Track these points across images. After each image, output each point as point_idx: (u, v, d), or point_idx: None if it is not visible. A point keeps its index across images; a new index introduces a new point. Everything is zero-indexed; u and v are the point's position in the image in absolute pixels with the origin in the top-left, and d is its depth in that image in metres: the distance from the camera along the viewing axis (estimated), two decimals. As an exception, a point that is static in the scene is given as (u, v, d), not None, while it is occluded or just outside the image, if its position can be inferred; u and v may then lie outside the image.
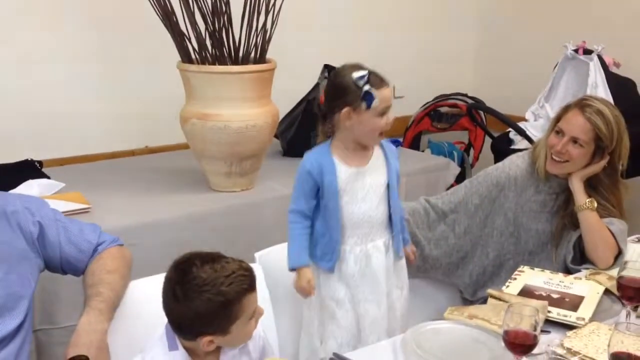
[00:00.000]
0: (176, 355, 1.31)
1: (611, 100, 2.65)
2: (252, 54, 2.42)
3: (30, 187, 2.30)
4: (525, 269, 1.86)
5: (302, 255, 1.66)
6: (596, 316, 1.60)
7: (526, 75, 3.50)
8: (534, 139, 2.81)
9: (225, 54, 2.39)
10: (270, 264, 1.78)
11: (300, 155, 2.66)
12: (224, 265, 1.28)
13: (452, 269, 2.09)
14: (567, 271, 1.92)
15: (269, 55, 2.48)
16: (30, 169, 2.49)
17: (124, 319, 1.51)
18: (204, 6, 2.33)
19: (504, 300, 1.65)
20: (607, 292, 1.72)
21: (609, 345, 1.26)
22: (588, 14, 3.32)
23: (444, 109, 3.53)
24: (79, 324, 1.41)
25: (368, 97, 1.56)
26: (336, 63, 1.91)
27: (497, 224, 2.03)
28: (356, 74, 1.56)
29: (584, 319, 1.56)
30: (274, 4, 2.38)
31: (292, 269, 1.67)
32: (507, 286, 1.75)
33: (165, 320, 1.35)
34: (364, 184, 1.65)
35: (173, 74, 2.44)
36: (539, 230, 2.01)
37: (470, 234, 2.05)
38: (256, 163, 2.51)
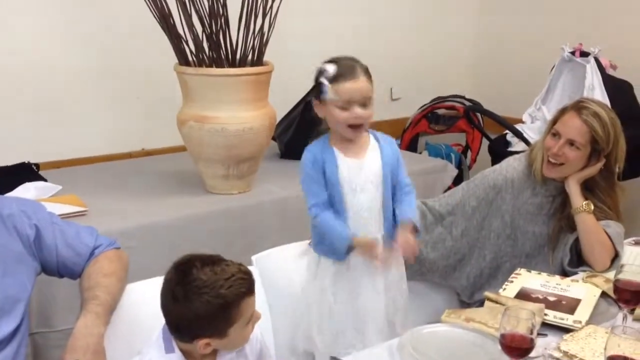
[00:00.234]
0: (172, 357, 1.31)
1: (608, 102, 2.65)
2: (250, 57, 2.43)
3: (27, 190, 2.30)
4: (522, 271, 1.86)
5: (346, 230, 1.63)
6: (593, 319, 1.60)
7: (523, 77, 3.51)
8: (531, 141, 2.82)
9: (223, 57, 2.39)
10: (268, 266, 1.78)
11: (298, 157, 2.66)
12: (223, 268, 1.28)
13: (449, 272, 2.09)
14: (564, 274, 1.92)
15: (266, 58, 2.48)
16: (27, 172, 2.50)
17: (121, 323, 1.50)
18: (201, 9, 2.33)
19: (501, 303, 1.65)
20: (603, 294, 1.72)
21: (605, 349, 1.26)
22: (585, 16, 3.32)
23: (441, 111, 3.54)
24: (76, 327, 1.41)
25: (321, 90, 1.60)
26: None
27: (494, 227, 2.03)
28: (320, 67, 1.59)
29: (580, 322, 1.56)
30: (271, 7, 2.38)
31: (349, 249, 1.63)
32: (504, 289, 1.75)
33: (161, 323, 1.35)
34: (362, 175, 1.65)
35: (170, 76, 2.44)
36: (535, 233, 2.01)
37: (467, 237, 2.05)
38: (254, 165, 2.51)
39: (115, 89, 2.88)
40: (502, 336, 1.30)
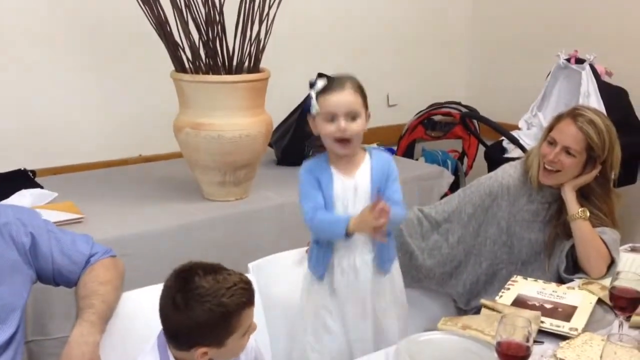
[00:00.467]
0: (167, 366, 1.30)
1: (603, 109, 2.66)
2: (246, 64, 2.43)
3: (23, 197, 2.29)
4: (519, 278, 1.86)
5: (340, 217, 1.60)
6: (589, 326, 1.60)
7: (519, 84, 3.52)
8: (527, 147, 2.83)
9: (219, 64, 2.40)
10: (264, 273, 1.78)
11: (294, 164, 2.67)
12: (225, 277, 1.29)
13: (446, 279, 2.09)
14: (560, 280, 1.93)
15: (262, 65, 2.48)
16: (23, 179, 2.49)
17: (117, 331, 1.50)
18: (197, 16, 2.34)
19: (497, 311, 1.65)
20: (600, 302, 1.72)
21: (601, 356, 1.26)
22: (580, 23, 3.34)
23: (437, 118, 3.54)
24: (71, 336, 1.41)
25: (307, 102, 1.60)
26: (330, 72, 1.92)
27: (490, 234, 2.04)
28: (311, 80, 1.60)
29: (577, 330, 1.56)
30: (267, 14, 2.38)
31: (348, 233, 1.59)
32: (501, 296, 1.76)
33: (157, 331, 1.34)
34: (353, 193, 1.64)
35: (167, 83, 2.45)
36: (531, 240, 2.01)
37: (463, 244, 2.06)
38: (250, 172, 2.51)
39: (112, 95, 2.88)
40: (499, 344, 1.30)
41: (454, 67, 3.95)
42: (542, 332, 1.56)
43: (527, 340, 1.28)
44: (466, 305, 2.09)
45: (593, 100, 2.83)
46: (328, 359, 1.67)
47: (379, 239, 1.59)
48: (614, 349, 1.24)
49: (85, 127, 2.86)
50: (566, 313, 1.64)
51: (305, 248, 1.81)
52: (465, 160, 3.50)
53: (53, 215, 2.01)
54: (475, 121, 3.38)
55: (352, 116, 1.58)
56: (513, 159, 2.31)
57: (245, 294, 1.29)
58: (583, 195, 1.96)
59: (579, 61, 2.95)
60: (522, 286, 1.81)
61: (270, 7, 2.37)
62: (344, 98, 1.57)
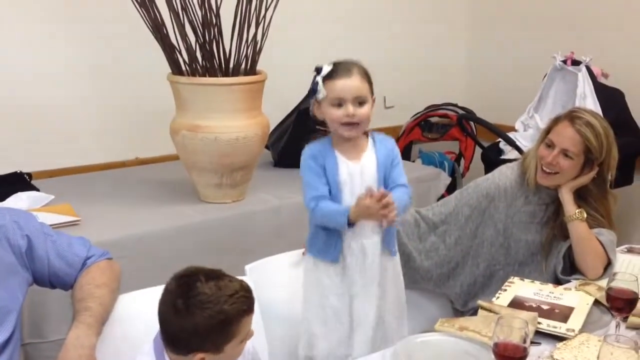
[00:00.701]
0: (164, 369, 1.30)
1: (600, 110, 2.67)
2: (243, 66, 2.43)
3: (19, 200, 2.29)
4: (516, 280, 1.86)
5: (341, 208, 1.59)
6: (586, 327, 1.60)
7: (515, 85, 3.53)
8: (524, 149, 2.83)
9: (216, 66, 2.40)
10: (261, 276, 1.78)
11: (291, 166, 2.66)
12: (227, 284, 1.29)
13: (443, 280, 2.09)
14: (557, 281, 1.93)
15: (259, 67, 2.48)
16: (19, 181, 2.48)
17: (113, 334, 1.50)
18: (194, 18, 2.34)
19: (494, 312, 1.65)
20: (596, 302, 1.72)
21: (598, 357, 1.26)
22: (576, 25, 3.34)
23: (434, 119, 3.55)
24: (67, 338, 1.40)
25: (314, 87, 1.60)
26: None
27: (487, 235, 2.04)
28: (317, 66, 1.60)
29: (573, 331, 1.56)
30: (264, 16, 2.38)
31: (350, 222, 1.59)
32: (498, 297, 1.76)
33: (154, 334, 1.34)
34: (359, 178, 1.64)
35: (164, 85, 2.44)
36: (528, 241, 2.01)
37: (460, 245, 2.06)
38: (247, 174, 2.51)
39: (109, 97, 2.87)
40: (496, 345, 1.30)
41: (450, 69, 3.96)
42: (539, 333, 1.56)
43: (524, 342, 1.28)
44: (463, 307, 2.09)
45: (589, 101, 2.84)
46: (334, 343, 1.67)
47: (389, 224, 1.59)
48: (611, 349, 1.24)
49: (82, 129, 2.85)
50: (563, 314, 1.64)
51: (302, 250, 1.81)
52: (462, 161, 3.50)
53: (49, 218, 2.01)
54: (472, 123, 3.39)
55: (360, 101, 1.59)
56: (510, 161, 2.32)
57: (246, 302, 1.30)
58: (580, 196, 1.96)
59: (575, 63, 2.96)
60: (519, 287, 1.81)
61: (266, 9, 2.37)
62: (351, 83, 1.58)
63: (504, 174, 2.06)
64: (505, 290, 1.80)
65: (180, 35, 2.35)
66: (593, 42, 3.17)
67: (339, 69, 1.60)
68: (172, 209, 2.42)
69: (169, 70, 2.43)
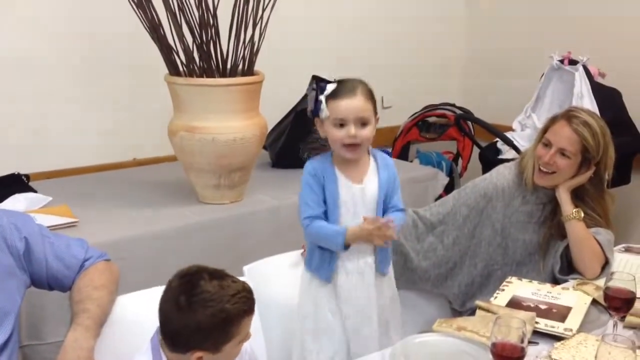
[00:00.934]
0: (161, 368, 1.30)
1: (597, 110, 2.67)
2: (240, 67, 2.43)
3: (17, 201, 2.29)
4: (514, 279, 1.87)
5: (339, 229, 1.59)
6: (584, 327, 1.60)
7: (513, 85, 3.53)
8: (521, 148, 2.83)
9: (213, 67, 2.40)
10: (260, 276, 1.78)
11: (289, 166, 2.66)
12: (230, 284, 1.30)
13: (441, 280, 2.09)
14: (555, 281, 1.93)
15: (256, 68, 2.48)
16: (17, 183, 2.48)
17: (112, 335, 1.50)
18: (191, 19, 2.33)
19: (492, 312, 1.65)
20: (594, 302, 1.72)
21: (596, 357, 1.27)
22: (573, 25, 3.35)
23: (432, 119, 3.54)
24: (66, 340, 1.40)
25: (316, 106, 1.59)
26: (324, 74, 1.92)
27: (485, 235, 2.04)
28: (321, 84, 1.59)
29: (571, 330, 1.56)
30: (261, 17, 2.38)
31: (346, 245, 1.60)
32: (496, 297, 1.76)
33: (150, 335, 1.34)
34: (360, 198, 1.63)
35: (161, 86, 2.44)
36: (526, 241, 2.02)
37: (458, 245, 2.06)
38: (245, 175, 2.51)
39: (106, 98, 2.87)
40: (494, 345, 1.30)
41: (448, 69, 3.96)
42: (536, 332, 1.57)
43: (522, 341, 1.28)
44: (461, 307, 2.09)
45: (586, 101, 2.84)
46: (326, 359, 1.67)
47: (383, 245, 1.63)
48: (609, 349, 1.24)
49: (79, 131, 2.85)
50: (561, 314, 1.65)
51: (301, 251, 1.81)
52: (460, 161, 3.50)
53: (47, 220, 2.01)
54: (469, 123, 3.39)
55: (363, 122, 1.58)
56: (507, 160, 2.32)
57: (247, 303, 1.31)
58: (577, 196, 1.97)
59: (572, 62, 2.96)
60: (517, 287, 1.81)
61: (264, 10, 2.37)
62: (354, 104, 1.57)
63: (502, 174, 2.07)
64: (503, 290, 1.80)
65: (178, 36, 2.35)
66: (590, 41, 3.18)
67: (343, 89, 1.58)
68: (170, 210, 2.42)
69: (167, 71, 2.43)
